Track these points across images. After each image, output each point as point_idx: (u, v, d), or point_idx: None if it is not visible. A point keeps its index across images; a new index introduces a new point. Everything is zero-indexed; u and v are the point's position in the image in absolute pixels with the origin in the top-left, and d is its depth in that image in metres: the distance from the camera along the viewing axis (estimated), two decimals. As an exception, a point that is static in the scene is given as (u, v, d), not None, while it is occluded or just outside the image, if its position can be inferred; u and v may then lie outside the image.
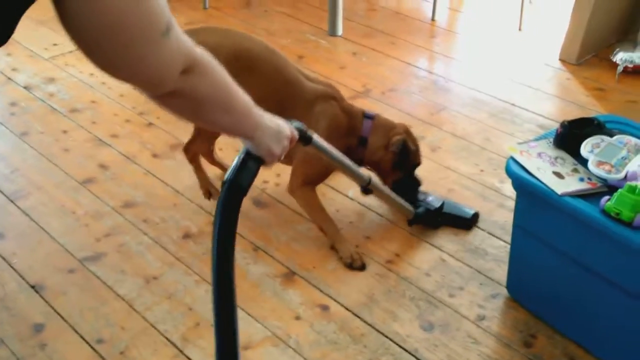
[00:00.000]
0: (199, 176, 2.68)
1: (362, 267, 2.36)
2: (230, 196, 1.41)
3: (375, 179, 2.36)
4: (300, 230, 2.54)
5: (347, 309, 2.20)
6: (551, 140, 2.10)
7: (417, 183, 2.55)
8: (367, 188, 2.32)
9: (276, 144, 1.46)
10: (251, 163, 1.43)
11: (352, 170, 2.18)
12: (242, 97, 1.33)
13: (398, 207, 2.46)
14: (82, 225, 2.56)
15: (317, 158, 2.23)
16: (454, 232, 2.52)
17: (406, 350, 2.05)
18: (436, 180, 2.80)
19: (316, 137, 1.82)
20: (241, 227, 2.45)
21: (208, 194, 2.67)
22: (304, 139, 1.72)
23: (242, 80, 2.28)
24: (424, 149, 2.97)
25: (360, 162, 2.43)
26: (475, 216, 2.55)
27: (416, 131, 3.09)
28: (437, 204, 2.51)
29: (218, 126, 1.40)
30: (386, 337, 2.10)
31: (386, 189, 2.41)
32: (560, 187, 1.90)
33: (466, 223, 2.53)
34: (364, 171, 2.29)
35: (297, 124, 1.65)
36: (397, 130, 2.48)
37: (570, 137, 2.06)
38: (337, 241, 2.41)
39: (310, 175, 2.48)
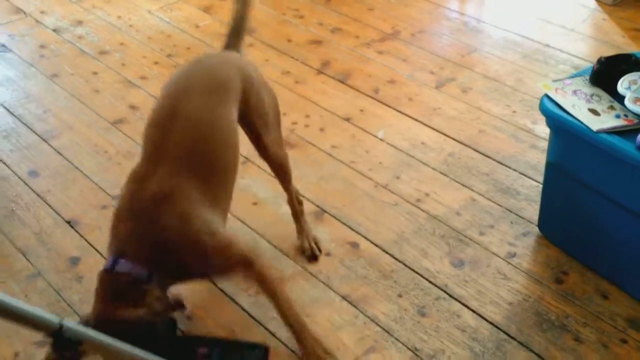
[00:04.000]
0: None
1: None
2: None
3: (74, 324, 1.38)
4: (329, 170, 2.54)
5: (376, 246, 2.21)
6: (587, 77, 2.06)
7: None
8: (60, 338, 1.34)
9: None
10: None
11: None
12: None
13: None
14: (115, 164, 2.59)
15: None
16: (486, 172, 2.50)
17: (436, 286, 2.07)
18: (467, 122, 2.77)
19: None
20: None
21: None
22: None
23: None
24: (455, 91, 2.96)
25: None
26: (265, 355, 1.74)
27: (447, 73, 3.08)
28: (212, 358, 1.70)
29: None
30: (416, 273, 2.11)
31: (111, 341, 1.46)
32: (596, 123, 1.87)
33: None
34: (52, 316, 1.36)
35: None
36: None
37: (606, 73, 2.01)
38: None
39: None
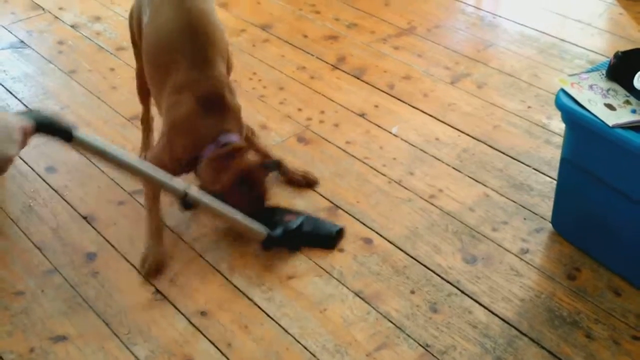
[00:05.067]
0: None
1: (148, 275, 2.12)
2: None
3: (195, 190, 1.92)
4: (343, 166, 2.54)
5: (390, 242, 2.22)
6: (603, 72, 2.05)
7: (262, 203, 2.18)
8: (186, 201, 1.88)
9: (9, 144, 1.30)
10: None
11: (155, 179, 1.84)
12: None
13: (241, 226, 2.06)
14: (131, 159, 2.61)
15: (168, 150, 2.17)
16: (499, 168, 2.50)
17: (448, 282, 2.07)
18: (482, 117, 2.76)
19: (83, 134, 1.59)
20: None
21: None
22: (57, 132, 1.56)
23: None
24: (470, 86, 2.95)
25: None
26: (341, 232, 2.23)
27: (462, 68, 3.07)
28: (296, 223, 2.15)
29: None
30: (428, 269, 2.12)
31: (218, 204, 1.97)
32: (612, 118, 1.86)
33: (330, 242, 2.20)
34: (180, 181, 1.91)
35: (35, 114, 1.49)
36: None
37: (623, 68, 2.00)
38: (148, 236, 2.20)
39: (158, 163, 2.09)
